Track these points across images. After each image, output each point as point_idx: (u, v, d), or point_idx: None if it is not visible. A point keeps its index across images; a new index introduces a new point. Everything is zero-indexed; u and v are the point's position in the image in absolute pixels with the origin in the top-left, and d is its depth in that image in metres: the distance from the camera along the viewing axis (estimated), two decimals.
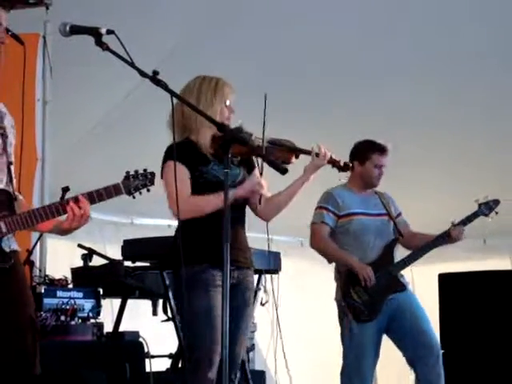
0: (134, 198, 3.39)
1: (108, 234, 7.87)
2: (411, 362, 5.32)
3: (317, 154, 4.12)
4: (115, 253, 5.75)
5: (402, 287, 5.35)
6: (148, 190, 3.43)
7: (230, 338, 3.27)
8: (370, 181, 5.46)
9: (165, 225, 7.19)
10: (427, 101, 6.98)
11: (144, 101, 6.22)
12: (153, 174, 3.44)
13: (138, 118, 6.76)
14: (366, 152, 5.43)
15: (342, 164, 4.23)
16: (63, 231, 3.33)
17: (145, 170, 3.43)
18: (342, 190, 5.46)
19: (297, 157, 4.13)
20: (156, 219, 7.95)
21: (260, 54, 6.44)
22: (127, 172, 3.40)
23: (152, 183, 3.44)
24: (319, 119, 7.00)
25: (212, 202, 3.87)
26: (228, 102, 4.04)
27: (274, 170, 4.05)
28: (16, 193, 3.36)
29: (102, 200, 3.32)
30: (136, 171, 3.40)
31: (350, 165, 4.40)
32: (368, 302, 5.24)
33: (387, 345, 5.41)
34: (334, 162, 4.20)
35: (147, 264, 5.68)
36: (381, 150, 5.42)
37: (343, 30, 6.38)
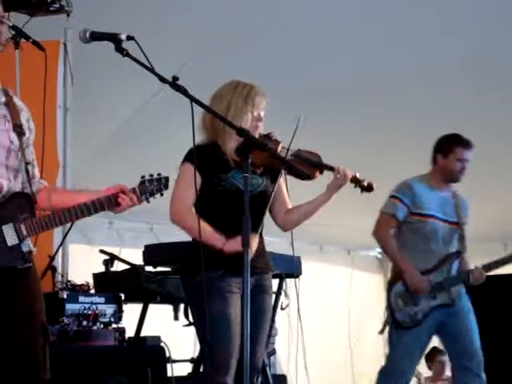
0: (148, 202, 3.43)
1: (127, 239, 7.92)
2: (454, 367, 5.35)
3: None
4: (134, 258, 5.78)
5: (449, 303, 5.31)
6: (161, 195, 3.46)
7: (243, 341, 3.28)
8: (451, 175, 5.38)
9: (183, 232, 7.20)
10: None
11: (164, 106, 6.24)
12: (167, 179, 3.47)
13: (159, 124, 6.78)
14: (450, 145, 5.36)
15: (365, 184, 4.14)
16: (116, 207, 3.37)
17: (159, 175, 3.45)
18: (422, 183, 5.38)
19: (321, 172, 4.09)
20: (174, 227, 7.96)
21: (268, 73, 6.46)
22: (142, 176, 3.42)
23: (166, 188, 3.46)
24: (326, 136, 6.98)
25: (206, 235, 3.78)
26: (258, 112, 4.02)
27: (295, 176, 4.08)
28: (42, 181, 3.40)
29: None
30: (151, 175, 3.43)
31: (374, 185, 4.21)
32: (413, 311, 5.24)
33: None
34: (357, 182, 4.12)
35: (168, 269, 5.69)
36: (465, 143, 5.36)
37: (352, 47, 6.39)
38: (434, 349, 8.34)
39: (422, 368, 8.29)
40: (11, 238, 3.16)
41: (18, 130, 3.27)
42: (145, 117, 6.71)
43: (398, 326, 5.28)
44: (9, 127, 3.25)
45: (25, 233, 3.17)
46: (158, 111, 6.58)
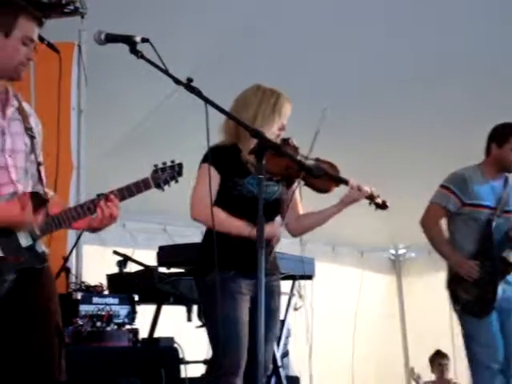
0: (163, 190, 3.35)
1: (140, 240, 7.93)
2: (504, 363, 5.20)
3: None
4: (148, 259, 5.78)
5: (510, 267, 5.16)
6: (176, 181, 3.36)
7: (257, 344, 3.28)
8: (506, 164, 5.28)
9: (198, 232, 7.22)
10: None
11: (178, 107, 6.25)
12: (180, 166, 3.36)
13: (173, 125, 6.79)
14: (506, 134, 5.26)
15: (379, 201, 4.12)
16: (94, 229, 3.35)
17: (172, 162, 3.37)
18: (474, 173, 5.28)
19: (337, 185, 4.09)
20: (188, 228, 7.98)
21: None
22: (155, 165, 3.34)
23: (180, 175, 3.36)
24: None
25: (231, 226, 3.88)
26: (283, 122, 4.02)
27: (311, 188, 4.08)
28: (47, 190, 3.39)
29: (132, 195, 3.28)
30: (164, 163, 3.35)
31: (388, 203, 4.17)
32: (478, 295, 5.11)
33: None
34: (372, 198, 4.10)
35: (181, 270, 5.70)
36: None
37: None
38: (437, 352, 8.37)
39: (424, 372, 8.33)
40: (25, 239, 3.17)
41: (29, 132, 3.29)
42: (159, 118, 6.73)
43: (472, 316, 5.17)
44: (22, 131, 3.27)
45: (38, 233, 3.18)
46: (172, 113, 6.59)
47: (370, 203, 4.12)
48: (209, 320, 4.02)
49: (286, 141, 4.04)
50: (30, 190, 3.27)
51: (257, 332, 3.25)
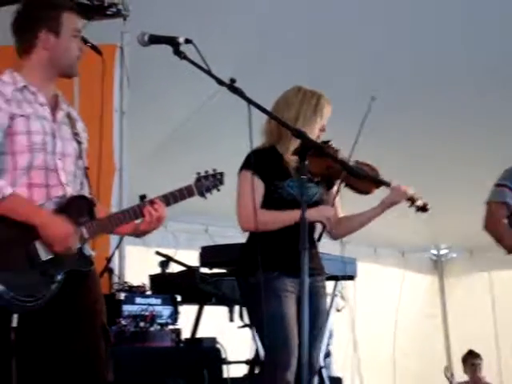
0: (205, 198, 3.45)
1: (182, 240, 7.96)
2: None
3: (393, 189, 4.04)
4: (189, 259, 5.80)
5: None
6: (218, 190, 3.48)
7: (301, 345, 3.30)
8: None
9: (238, 232, 7.23)
10: None
11: (220, 108, 6.26)
12: (222, 174, 3.49)
13: (215, 126, 6.80)
14: None
15: (420, 204, 4.08)
16: (140, 233, 3.41)
17: (214, 171, 3.49)
18: None
19: (377, 187, 4.07)
20: (228, 228, 8.00)
21: None
22: (198, 173, 3.45)
23: (222, 183, 3.49)
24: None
25: (281, 218, 3.91)
26: (323, 123, 4.03)
27: (352, 189, 4.07)
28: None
29: (176, 202, 3.38)
30: (206, 172, 3.46)
31: (429, 207, 4.10)
32: None
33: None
34: (412, 201, 4.07)
35: (223, 270, 5.72)
36: None
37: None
38: (470, 352, 8.31)
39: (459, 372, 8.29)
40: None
41: (77, 138, 3.34)
42: (200, 119, 6.74)
43: None
44: (71, 136, 3.32)
45: (86, 236, 3.22)
46: (213, 114, 6.60)
47: (411, 206, 4.09)
48: (255, 320, 4.02)
49: (326, 143, 4.04)
50: (77, 194, 3.31)
51: (301, 330, 3.26)
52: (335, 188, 4.09)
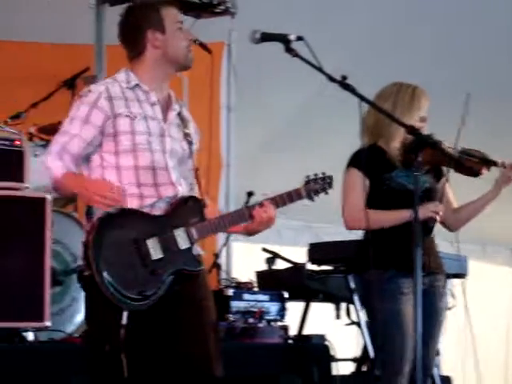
0: (313, 201, 3.43)
1: (287, 237, 7.97)
2: None
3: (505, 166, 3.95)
4: (294, 256, 5.80)
5: None
6: (326, 193, 3.45)
7: (416, 344, 3.25)
8: None
9: (342, 229, 7.20)
10: None
11: (326, 105, 6.24)
12: (331, 178, 3.46)
13: (321, 122, 6.79)
14: None
15: None
16: (250, 233, 3.43)
17: (323, 174, 3.45)
18: None
19: (488, 169, 3.99)
20: (333, 224, 7.97)
21: None
22: (307, 176, 3.43)
23: (330, 187, 3.46)
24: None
25: (393, 217, 3.85)
26: (422, 113, 3.98)
27: (462, 173, 4.00)
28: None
29: (284, 205, 3.37)
30: (315, 175, 3.43)
31: None
32: None
33: None
34: None
35: (329, 267, 5.69)
36: None
37: None
38: None
39: None
40: (184, 242, 3.22)
41: (188, 138, 3.36)
42: (307, 116, 6.73)
43: None
44: (182, 136, 3.35)
45: (196, 236, 3.24)
46: (320, 110, 6.58)
47: None
48: (371, 318, 4.00)
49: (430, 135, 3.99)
50: (188, 195, 3.34)
51: (416, 332, 3.22)
52: (443, 180, 4.03)
